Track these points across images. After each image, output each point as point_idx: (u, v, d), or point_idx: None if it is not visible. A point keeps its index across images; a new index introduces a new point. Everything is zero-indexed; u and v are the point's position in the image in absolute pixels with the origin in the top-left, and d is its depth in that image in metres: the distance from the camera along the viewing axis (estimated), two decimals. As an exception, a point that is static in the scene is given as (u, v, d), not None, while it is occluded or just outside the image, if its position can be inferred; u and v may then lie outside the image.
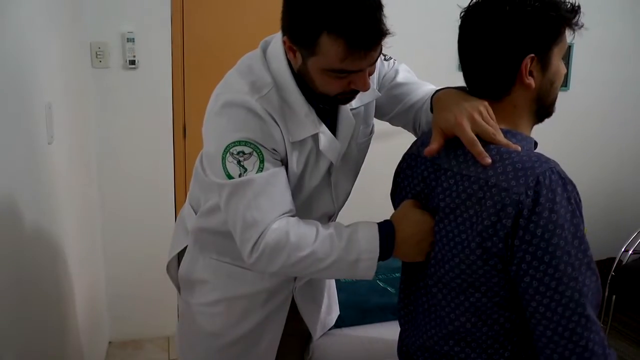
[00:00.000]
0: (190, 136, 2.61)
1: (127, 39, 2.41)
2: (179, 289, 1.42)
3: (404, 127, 1.33)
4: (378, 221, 1.10)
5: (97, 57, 2.40)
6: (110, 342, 2.69)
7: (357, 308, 1.67)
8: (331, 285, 1.55)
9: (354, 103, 1.21)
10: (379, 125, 1.36)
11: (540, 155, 0.92)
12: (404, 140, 1.24)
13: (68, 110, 1.94)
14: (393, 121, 1.34)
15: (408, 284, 1.14)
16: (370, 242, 1.05)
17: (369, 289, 1.78)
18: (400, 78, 1.29)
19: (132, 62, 2.44)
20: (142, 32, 2.44)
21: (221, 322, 1.32)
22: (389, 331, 1.40)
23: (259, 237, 1.05)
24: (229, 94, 1.11)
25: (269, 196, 1.07)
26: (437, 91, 1.12)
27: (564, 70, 1.01)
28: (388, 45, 1.01)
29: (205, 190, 1.27)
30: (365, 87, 1.07)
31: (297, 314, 1.40)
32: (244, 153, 1.07)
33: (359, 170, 1.33)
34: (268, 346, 1.35)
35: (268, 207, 1.07)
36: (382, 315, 1.66)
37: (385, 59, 1.31)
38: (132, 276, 2.63)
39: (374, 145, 1.35)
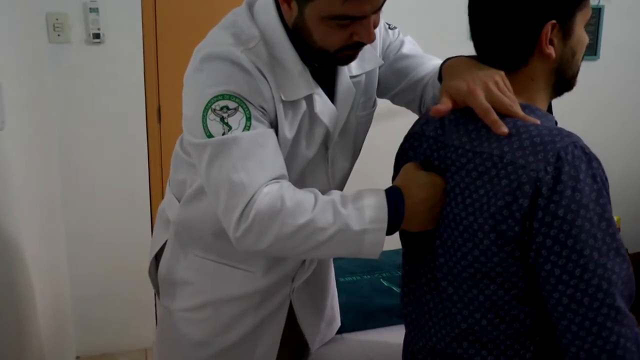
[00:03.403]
0: (166, 119, 2.61)
1: (90, 8, 2.40)
2: (158, 293, 1.43)
3: (408, 105, 1.34)
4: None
5: (54, 30, 2.38)
6: (77, 358, 2.70)
7: (359, 311, 1.68)
8: (334, 294, 1.57)
9: (354, 70, 1.22)
10: (381, 105, 1.37)
11: (561, 129, 0.93)
12: (409, 120, 1.25)
13: (22, 92, 1.93)
14: (396, 99, 1.35)
15: (410, 279, 1.15)
16: (377, 210, 1.03)
17: (371, 289, 1.79)
18: (405, 49, 1.31)
19: (97, 36, 2.43)
20: (107, 1, 2.42)
21: (208, 330, 1.33)
22: (396, 336, 1.40)
23: (247, 204, 1.03)
24: (210, 47, 1.11)
25: (258, 158, 1.06)
26: (447, 60, 1.13)
27: (586, 39, 1.02)
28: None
29: (190, 171, 1.26)
30: (370, 38, 1.08)
31: (293, 323, 1.40)
32: (228, 108, 1.06)
33: (359, 149, 1.35)
34: (263, 357, 1.36)
35: (257, 169, 1.05)
36: (387, 318, 1.67)
37: (390, 28, 1.32)
38: (101, 280, 2.63)
39: (376, 126, 1.36)
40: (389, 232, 1.05)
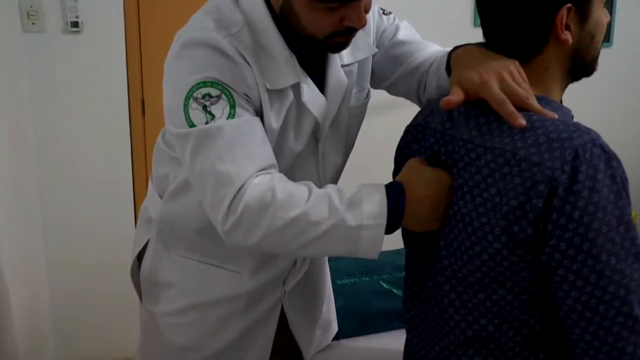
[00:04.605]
0: (150, 113, 2.60)
1: (68, -5, 2.38)
2: (140, 296, 1.42)
3: (406, 95, 1.33)
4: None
5: (29, 18, 2.36)
6: (57, 367, 2.69)
7: (357, 315, 1.68)
8: (330, 298, 1.56)
9: (346, 58, 1.22)
10: (380, 95, 1.36)
11: (579, 125, 0.92)
12: (410, 111, 1.25)
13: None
14: (393, 88, 1.34)
15: (414, 282, 1.14)
16: (376, 205, 1.02)
17: (370, 291, 1.79)
18: (401, 35, 1.30)
19: (75, 24, 2.41)
20: (85, -14, 2.40)
21: (194, 335, 1.32)
22: (396, 341, 1.40)
23: (235, 195, 1.02)
24: (191, 32, 1.11)
25: (245, 147, 1.05)
26: (455, 49, 1.12)
27: (606, 18, 1.01)
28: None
29: (173, 166, 1.26)
30: (361, 23, 1.07)
31: (286, 329, 1.40)
32: (210, 96, 1.06)
33: (352, 143, 1.34)
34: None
35: (245, 159, 1.04)
36: (387, 322, 1.67)
37: (384, 13, 1.31)
38: (82, 285, 2.62)
39: (374, 117, 1.35)
40: (389, 230, 1.04)
